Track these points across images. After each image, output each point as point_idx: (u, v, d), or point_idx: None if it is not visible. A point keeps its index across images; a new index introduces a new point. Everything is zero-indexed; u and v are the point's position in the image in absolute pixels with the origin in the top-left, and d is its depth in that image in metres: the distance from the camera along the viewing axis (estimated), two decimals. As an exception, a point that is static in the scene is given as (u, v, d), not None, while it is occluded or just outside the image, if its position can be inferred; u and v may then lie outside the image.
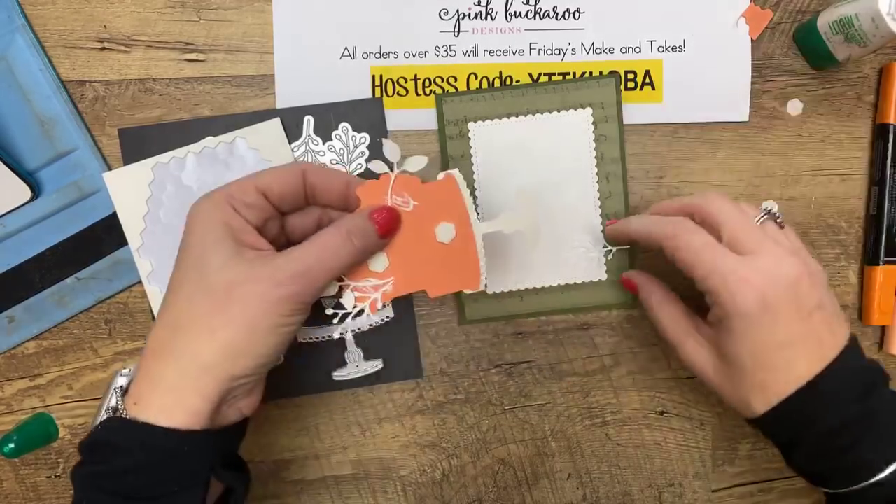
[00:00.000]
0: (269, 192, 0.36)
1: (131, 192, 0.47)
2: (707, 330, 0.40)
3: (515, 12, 0.49)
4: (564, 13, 0.49)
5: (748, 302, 0.35)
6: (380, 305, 0.39)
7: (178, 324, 0.33)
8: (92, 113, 0.48)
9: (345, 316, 0.39)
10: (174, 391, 0.32)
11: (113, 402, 0.34)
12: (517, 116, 0.48)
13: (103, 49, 0.48)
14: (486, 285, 0.40)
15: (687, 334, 0.41)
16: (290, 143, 0.48)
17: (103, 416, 0.35)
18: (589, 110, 0.48)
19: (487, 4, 0.49)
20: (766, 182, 0.50)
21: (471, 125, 0.48)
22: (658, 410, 0.51)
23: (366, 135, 0.48)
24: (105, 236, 0.48)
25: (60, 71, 0.47)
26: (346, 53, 0.48)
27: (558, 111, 0.48)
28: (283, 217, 0.39)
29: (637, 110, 0.49)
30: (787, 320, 0.36)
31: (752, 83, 0.50)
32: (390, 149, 0.39)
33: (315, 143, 0.48)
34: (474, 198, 0.48)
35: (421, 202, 0.38)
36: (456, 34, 0.49)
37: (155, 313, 0.47)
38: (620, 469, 0.51)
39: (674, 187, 0.50)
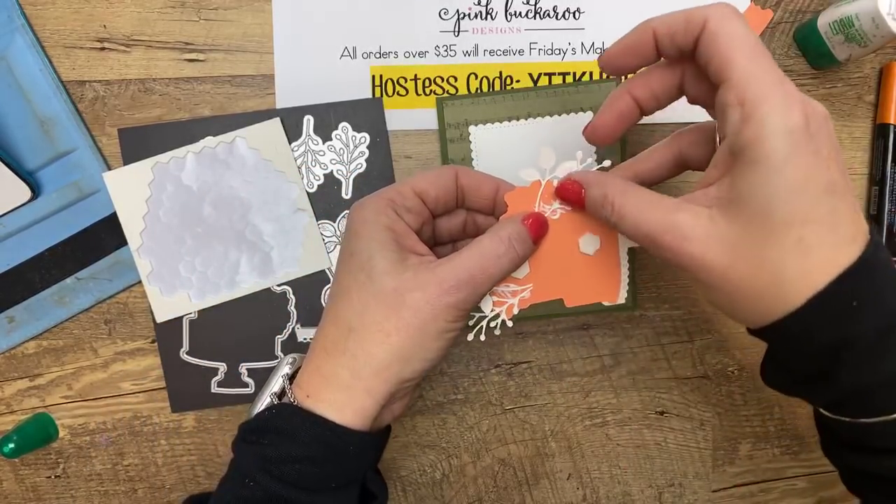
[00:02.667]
0: (426, 195, 0.37)
1: (131, 192, 0.47)
2: (705, 194, 0.29)
3: (515, 12, 0.49)
4: (564, 13, 0.49)
5: (794, 116, 0.27)
6: (516, 311, 0.39)
7: (352, 325, 0.34)
8: (92, 113, 0.48)
9: (481, 319, 0.38)
10: (347, 389, 0.33)
11: (277, 388, 0.36)
12: (518, 120, 0.48)
13: (103, 49, 0.47)
14: (625, 298, 0.39)
15: (674, 209, 0.30)
16: (290, 143, 0.48)
17: (267, 400, 0.36)
18: (590, 114, 0.48)
19: (487, 4, 0.49)
20: (767, 182, 0.50)
21: (472, 128, 0.48)
22: (658, 410, 0.51)
23: (366, 135, 0.48)
24: (105, 236, 0.47)
25: (60, 71, 0.47)
26: (346, 53, 0.48)
27: (559, 115, 0.48)
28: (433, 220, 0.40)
29: (637, 110, 0.49)
30: (828, 160, 0.27)
31: (753, 83, 0.50)
32: (545, 155, 0.38)
33: (315, 142, 0.48)
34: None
35: (567, 210, 0.38)
36: (456, 34, 0.49)
37: (155, 313, 0.47)
38: (620, 469, 0.51)
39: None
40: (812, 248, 0.27)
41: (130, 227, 0.47)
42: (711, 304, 0.31)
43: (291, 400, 0.35)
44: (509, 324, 0.39)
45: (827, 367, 0.28)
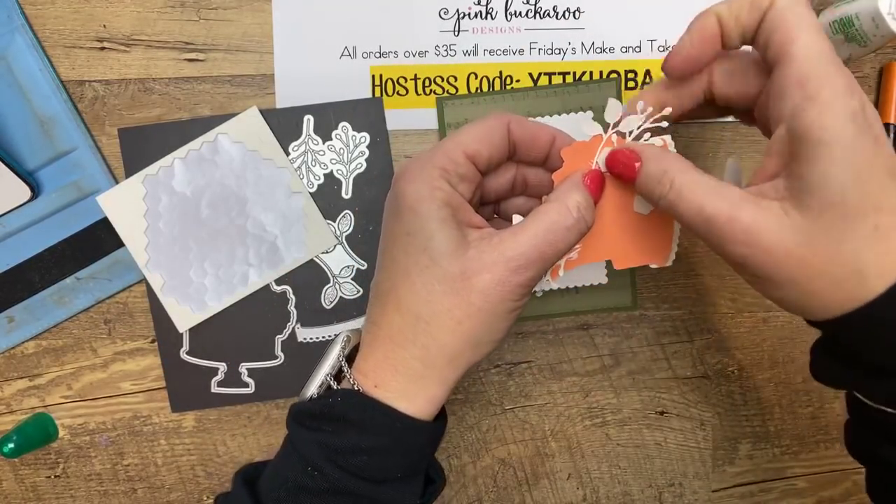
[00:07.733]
0: (478, 158, 0.34)
1: (127, 210, 0.47)
2: (774, 188, 0.29)
3: (515, 12, 0.49)
4: (564, 13, 0.49)
5: (855, 100, 0.27)
6: (562, 273, 0.36)
7: (419, 314, 0.32)
8: (91, 112, 0.48)
9: None
10: (420, 379, 0.32)
11: (333, 370, 0.34)
12: (517, 117, 0.48)
13: (103, 49, 0.47)
14: (672, 261, 0.37)
15: (741, 198, 0.29)
16: (290, 143, 0.48)
17: (322, 379, 0.35)
18: (590, 113, 0.48)
19: (487, 4, 0.48)
20: (767, 182, 0.50)
21: (471, 125, 0.48)
22: (658, 410, 0.51)
23: (366, 134, 0.48)
24: (105, 236, 0.47)
25: (60, 70, 0.47)
26: (346, 53, 0.48)
27: (559, 114, 0.48)
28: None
29: (637, 110, 0.49)
30: (885, 145, 0.28)
31: (753, 83, 0.50)
32: (613, 109, 0.35)
33: (315, 142, 0.48)
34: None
35: None
36: (456, 34, 0.49)
37: (176, 324, 0.47)
38: (620, 469, 0.51)
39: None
40: (888, 234, 0.27)
41: (134, 245, 0.47)
42: (771, 299, 0.29)
43: (354, 386, 0.33)
44: (554, 286, 0.36)
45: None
